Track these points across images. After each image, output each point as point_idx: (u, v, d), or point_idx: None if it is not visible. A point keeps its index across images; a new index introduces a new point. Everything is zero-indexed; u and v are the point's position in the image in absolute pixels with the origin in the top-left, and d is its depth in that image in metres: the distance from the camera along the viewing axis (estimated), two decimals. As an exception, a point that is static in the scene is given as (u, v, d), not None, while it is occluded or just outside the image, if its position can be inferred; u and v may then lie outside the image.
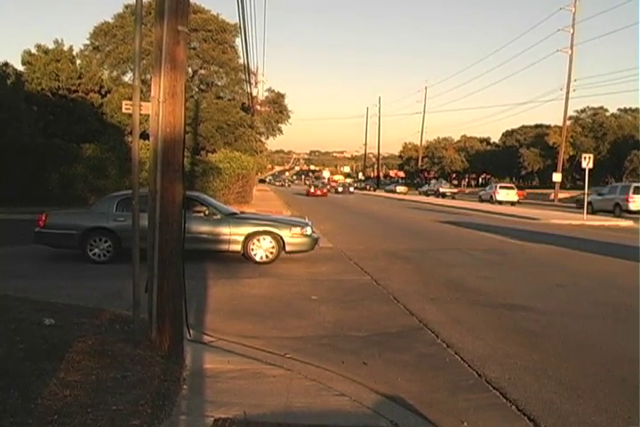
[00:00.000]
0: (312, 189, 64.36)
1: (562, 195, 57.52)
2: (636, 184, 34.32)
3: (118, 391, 4.85)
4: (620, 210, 33.75)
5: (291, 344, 7.13)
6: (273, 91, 55.82)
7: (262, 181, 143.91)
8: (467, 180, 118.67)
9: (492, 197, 51.52)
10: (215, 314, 8.49)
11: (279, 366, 6.08)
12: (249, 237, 13.08)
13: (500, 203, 48.77)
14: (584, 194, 35.12)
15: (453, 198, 61.75)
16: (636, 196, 32.89)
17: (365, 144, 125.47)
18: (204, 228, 12.87)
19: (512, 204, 48.63)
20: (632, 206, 32.62)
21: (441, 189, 68.79)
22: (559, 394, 5.58)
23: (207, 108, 43.62)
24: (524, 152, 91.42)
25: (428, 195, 70.64)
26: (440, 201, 53.63)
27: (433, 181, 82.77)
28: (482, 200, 53.56)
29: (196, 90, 46.37)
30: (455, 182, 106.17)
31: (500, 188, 52.42)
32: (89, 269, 12.08)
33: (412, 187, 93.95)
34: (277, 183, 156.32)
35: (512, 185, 58.28)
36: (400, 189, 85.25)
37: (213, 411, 4.74)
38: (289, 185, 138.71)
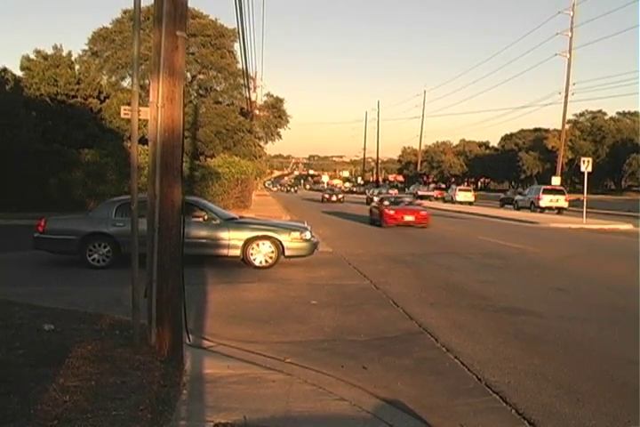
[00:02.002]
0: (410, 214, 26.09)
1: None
2: (544, 186, 43.87)
3: (118, 397, 4.84)
4: (533, 206, 42.09)
5: (290, 349, 7.12)
6: (272, 95, 55.93)
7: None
8: (466, 184, 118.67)
9: (452, 198, 60.43)
10: (215, 319, 8.49)
11: (279, 371, 6.08)
12: (248, 242, 13.08)
13: (461, 203, 56.94)
14: (516, 193, 48.53)
15: (430, 200, 67.01)
16: (544, 195, 41.43)
17: (364, 148, 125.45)
18: (204, 233, 12.87)
19: (470, 203, 57.26)
20: (541, 204, 41.17)
21: (419, 193, 74.80)
22: (559, 398, 5.58)
23: (206, 113, 43.64)
24: (522, 156, 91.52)
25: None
26: (422, 203, 59.19)
27: (412, 186, 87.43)
28: (445, 201, 61.98)
29: (195, 95, 46.39)
30: (454, 187, 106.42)
31: (459, 190, 62.42)
32: (88, 274, 12.07)
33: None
34: (275, 188, 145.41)
35: (470, 188, 70.46)
36: (390, 192, 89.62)
37: (213, 416, 4.73)
38: (295, 191, 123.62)
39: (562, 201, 41.00)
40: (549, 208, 40.93)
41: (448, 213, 38.54)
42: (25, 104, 33.78)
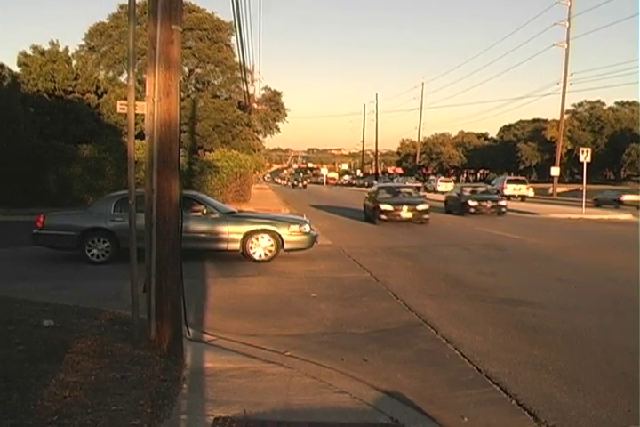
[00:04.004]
0: None
1: (560, 189, 57.78)
2: (508, 177, 53.18)
3: (118, 392, 4.85)
4: (500, 195, 45.20)
5: (290, 342, 7.12)
6: (269, 89, 55.76)
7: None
8: (465, 175, 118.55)
9: (434, 188, 67.07)
10: (214, 313, 8.49)
11: (279, 364, 6.08)
12: (247, 236, 13.07)
13: (443, 193, 59.76)
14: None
15: (418, 191, 68.98)
16: (508, 185, 48.24)
17: (363, 141, 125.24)
18: (202, 227, 12.86)
19: None
20: (505, 192, 46.07)
21: (407, 184, 77.21)
22: (559, 388, 5.58)
23: (204, 107, 43.59)
24: (521, 147, 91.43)
25: None
26: None
27: (399, 178, 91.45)
28: (428, 191, 65.52)
29: (193, 89, 46.35)
30: (453, 178, 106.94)
31: (441, 181, 68.67)
32: (87, 269, 12.08)
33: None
34: (280, 180, 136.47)
35: (450, 179, 75.30)
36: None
37: (213, 410, 4.74)
38: (304, 185, 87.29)
39: (524, 190, 48.52)
40: (513, 196, 46.99)
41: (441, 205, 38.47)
42: (22, 100, 33.71)
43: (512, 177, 54.06)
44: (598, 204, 42.19)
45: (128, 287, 6.33)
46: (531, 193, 49.22)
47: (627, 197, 41.29)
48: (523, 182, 50.26)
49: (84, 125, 38.50)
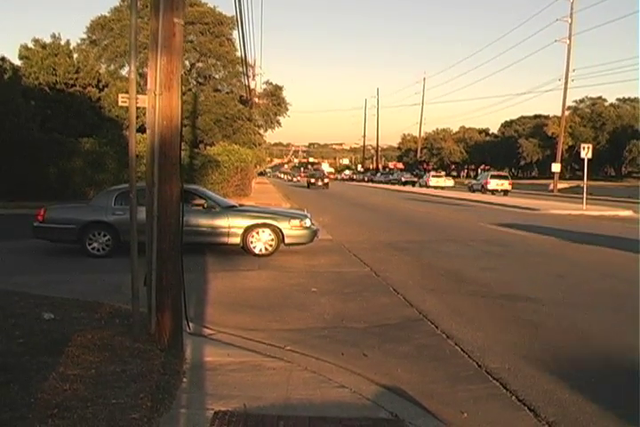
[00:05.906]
0: None
1: (561, 185, 57.75)
2: (492, 173, 56.44)
3: (118, 385, 4.85)
4: (483, 189, 51.46)
5: (290, 336, 7.13)
6: (271, 83, 55.62)
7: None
8: (466, 171, 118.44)
9: (426, 183, 67.79)
10: (215, 307, 8.49)
11: (279, 359, 6.08)
12: (248, 230, 13.07)
13: (435, 188, 62.94)
14: (478, 182, 54.92)
15: (413, 186, 73.76)
16: (491, 180, 51.32)
17: (364, 136, 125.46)
18: (203, 221, 12.86)
19: (442, 188, 63.62)
20: (489, 187, 50.50)
21: (403, 179, 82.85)
22: (559, 384, 5.59)
23: (205, 102, 43.51)
24: (522, 143, 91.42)
25: (392, 183, 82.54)
26: (406, 188, 65.07)
27: (397, 172, 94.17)
28: (421, 186, 69.32)
29: (194, 83, 46.24)
30: (454, 174, 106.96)
31: (432, 176, 69.80)
32: (88, 263, 12.07)
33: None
34: (283, 175, 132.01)
35: (442, 173, 77.07)
36: (379, 179, 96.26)
37: (213, 404, 4.74)
38: (325, 184, 59.81)
39: (506, 185, 50.93)
40: (496, 190, 50.14)
41: (441, 200, 38.51)
42: (24, 93, 33.68)
43: (495, 173, 57.65)
44: (471, 190, 54.48)
45: (128, 281, 6.33)
46: (509, 188, 51.72)
47: (473, 182, 57.28)
48: (505, 178, 53.25)
49: (85, 119, 38.52)
